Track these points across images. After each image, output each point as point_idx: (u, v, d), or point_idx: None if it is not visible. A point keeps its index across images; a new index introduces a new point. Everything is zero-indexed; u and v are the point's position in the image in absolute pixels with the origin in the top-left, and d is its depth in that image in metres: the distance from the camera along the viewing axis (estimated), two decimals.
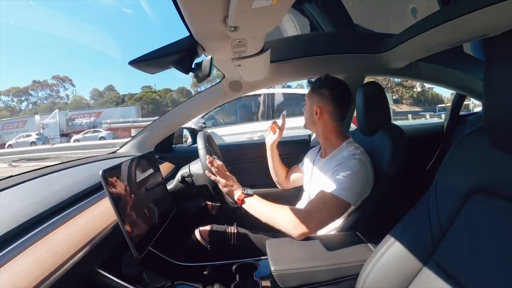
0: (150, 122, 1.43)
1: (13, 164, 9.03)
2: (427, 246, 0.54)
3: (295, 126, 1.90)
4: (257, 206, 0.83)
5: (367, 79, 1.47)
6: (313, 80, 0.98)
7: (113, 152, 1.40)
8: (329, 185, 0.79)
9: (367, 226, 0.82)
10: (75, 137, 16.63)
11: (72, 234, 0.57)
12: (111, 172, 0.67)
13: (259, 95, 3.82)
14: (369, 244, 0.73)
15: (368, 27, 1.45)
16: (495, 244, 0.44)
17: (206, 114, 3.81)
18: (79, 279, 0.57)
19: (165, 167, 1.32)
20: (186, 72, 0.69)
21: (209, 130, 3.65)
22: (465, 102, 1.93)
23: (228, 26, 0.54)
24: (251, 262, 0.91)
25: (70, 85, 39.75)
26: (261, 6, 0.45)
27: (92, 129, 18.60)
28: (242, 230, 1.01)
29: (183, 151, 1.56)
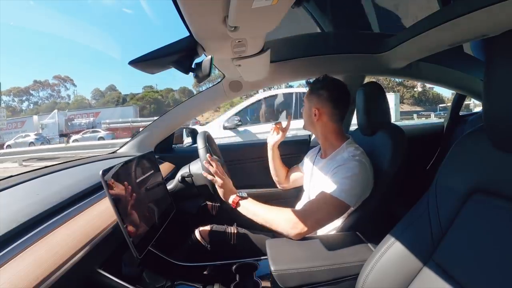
0: (150, 122, 1.43)
1: (24, 163, 9.00)
2: (427, 246, 0.54)
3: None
4: (252, 209, 0.83)
5: (367, 79, 1.47)
6: (311, 81, 0.98)
7: (113, 152, 1.40)
8: (329, 187, 0.79)
9: (367, 226, 0.82)
10: (74, 137, 16.60)
11: (72, 234, 0.57)
12: (111, 172, 0.66)
13: (292, 93, 3.92)
14: (369, 244, 0.73)
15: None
16: (495, 244, 0.44)
17: (240, 111, 3.88)
18: (79, 279, 0.57)
19: (165, 167, 1.32)
20: (186, 72, 0.69)
21: (243, 128, 3.68)
22: (466, 102, 1.93)
23: (228, 26, 0.54)
24: (251, 262, 0.91)
25: (71, 85, 39.79)
26: (261, 6, 0.45)
27: (91, 129, 18.59)
28: (242, 230, 1.01)
29: (183, 151, 1.56)
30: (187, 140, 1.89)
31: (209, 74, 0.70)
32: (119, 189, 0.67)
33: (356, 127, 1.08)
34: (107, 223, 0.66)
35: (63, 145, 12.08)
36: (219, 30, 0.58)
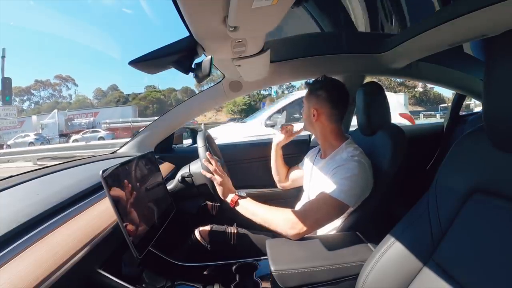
0: (150, 122, 1.43)
1: (38, 163, 8.96)
2: (427, 246, 0.54)
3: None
4: (251, 208, 0.83)
5: (368, 79, 1.47)
6: (310, 82, 0.98)
7: (113, 152, 1.40)
8: (329, 187, 0.79)
9: (367, 226, 0.82)
10: (74, 137, 16.59)
11: (72, 234, 0.57)
12: (111, 172, 0.66)
13: None
14: (369, 244, 0.73)
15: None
16: (495, 244, 0.44)
17: (280, 109, 3.84)
18: (79, 279, 0.57)
19: (165, 167, 1.32)
20: (186, 72, 0.69)
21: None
22: (466, 102, 1.93)
23: (228, 26, 0.54)
24: (251, 262, 0.91)
25: (72, 84, 39.59)
26: (261, 6, 0.45)
27: (91, 129, 18.58)
28: (242, 230, 1.01)
29: (183, 151, 1.56)
30: (187, 142, 1.89)
31: (209, 74, 0.70)
32: (119, 189, 0.67)
33: (357, 127, 1.08)
34: (107, 223, 0.66)
35: (63, 145, 12.06)
36: (219, 30, 0.58)
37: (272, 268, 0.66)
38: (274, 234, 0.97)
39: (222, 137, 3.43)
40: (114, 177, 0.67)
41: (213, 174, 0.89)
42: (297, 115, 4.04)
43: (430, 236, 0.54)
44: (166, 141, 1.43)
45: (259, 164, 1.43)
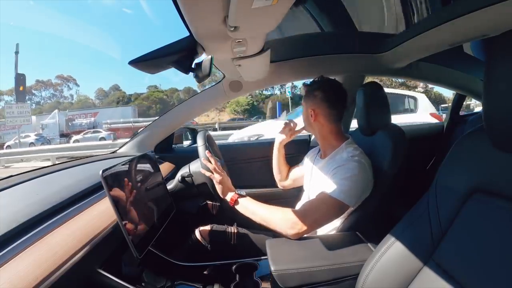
0: (151, 122, 1.43)
1: (57, 162, 8.99)
2: (427, 246, 0.54)
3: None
4: (251, 207, 0.83)
5: (367, 79, 1.47)
6: (308, 82, 0.98)
7: (113, 152, 1.40)
8: (329, 187, 0.79)
9: (367, 226, 0.82)
10: (74, 137, 16.61)
11: (72, 234, 0.57)
12: (111, 172, 0.66)
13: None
14: (369, 244, 0.73)
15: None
16: (495, 244, 0.44)
17: None
18: (79, 279, 0.57)
19: (165, 167, 1.32)
20: (186, 72, 0.69)
21: None
22: (467, 102, 1.94)
23: (228, 26, 0.54)
24: (251, 262, 0.91)
25: (74, 84, 39.43)
26: (261, 6, 0.45)
27: (92, 130, 18.59)
28: (242, 230, 1.01)
29: (183, 151, 1.56)
30: (186, 143, 1.90)
31: (209, 74, 0.70)
32: (119, 189, 0.67)
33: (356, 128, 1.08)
34: (107, 223, 0.66)
35: (64, 145, 12.05)
36: (219, 30, 0.58)
37: (272, 268, 0.66)
38: (274, 234, 0.97)
39: (269, 133, 3.40)
40: (114, 177, 0.67)
41: (212, 173, 0.89)
42: None
43: (430, 236, 0.54)
44: (166, 141, 1.43)
45: (259, 164, 1.43)
